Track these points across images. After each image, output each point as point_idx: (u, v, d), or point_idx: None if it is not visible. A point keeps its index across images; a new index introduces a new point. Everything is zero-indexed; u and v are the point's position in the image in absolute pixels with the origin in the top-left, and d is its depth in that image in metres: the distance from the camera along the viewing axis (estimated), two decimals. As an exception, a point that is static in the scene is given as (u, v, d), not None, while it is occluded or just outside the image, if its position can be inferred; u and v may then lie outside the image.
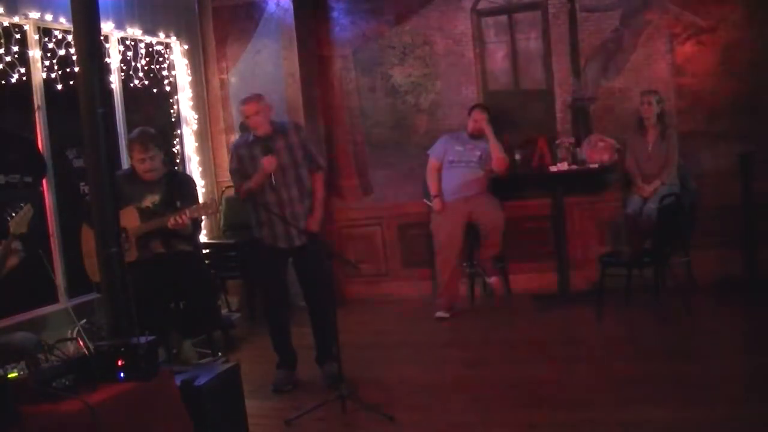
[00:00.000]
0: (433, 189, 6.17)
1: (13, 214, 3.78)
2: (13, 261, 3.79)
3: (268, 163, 4.49)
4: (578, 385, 4.30)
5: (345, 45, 6.93)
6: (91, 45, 3.11)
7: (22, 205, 3.84)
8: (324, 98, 6.98)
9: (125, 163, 5.68)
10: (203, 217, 5.01)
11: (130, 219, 4.48)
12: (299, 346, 4.80)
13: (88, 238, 4.54)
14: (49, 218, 4.98)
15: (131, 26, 5.98)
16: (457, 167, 6.11)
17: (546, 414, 3.90)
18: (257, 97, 4.68)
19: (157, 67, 6.31)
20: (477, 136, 6.13)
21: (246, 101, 4.68)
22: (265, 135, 4.60)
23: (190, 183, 5.01)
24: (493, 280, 6.32)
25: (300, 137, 4.71)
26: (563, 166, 6.02)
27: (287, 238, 4.62)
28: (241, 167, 4.64)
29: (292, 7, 6.63)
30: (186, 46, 6.66)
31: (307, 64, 6.78)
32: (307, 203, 4.69)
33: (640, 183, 5.86)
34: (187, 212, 4.46)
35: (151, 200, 4.64)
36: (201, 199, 5.55)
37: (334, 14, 6.94)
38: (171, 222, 4.41)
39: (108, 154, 3.11)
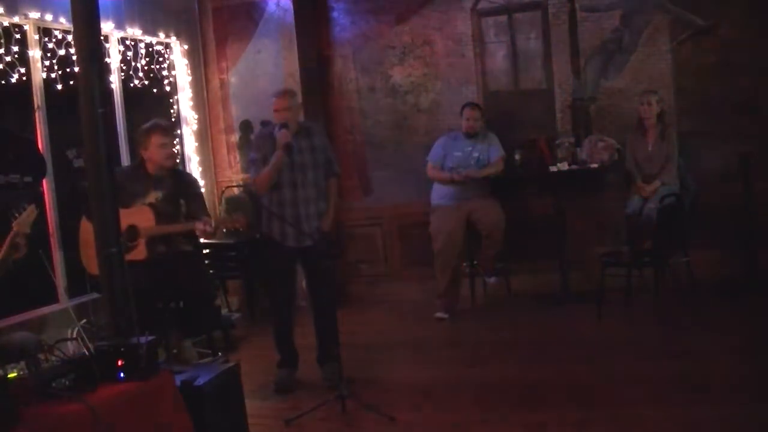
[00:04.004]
0: (444, 175, 6.11)
1: (17, 214, 3.78)
2: (17, 254, 3.79)
3: (282, 136, 4.44)
4: (578, 385, 4.30)
5: (345, 45, 6.93)
6: (91, 45, 3.11)
7: (25, 205, 3.82)
8: (324, 98, 6.98)
9: (125, 162, 5.69)
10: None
11: (144, 218, 4.44)
12: (298, 345, 4.80)
13: (86, 229, 4.52)
14: (49, 218, 4.98)
15: (131, 26, 5.98)
16: (456, 172, 6.09)
17: (545, 414, 3.90)
18: (290, 93, 4.62)
19: (157, 67, 6.31)
20: (472, 134, 6.13)
21: (279, 94, 4.59)
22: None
23: (195, 184, 4.98)
24: (493, 280, 6.33)
25: (323, 141, 4.73)
26: (563, 166, 6.02)
27: (297, 237, 4.60)
28: (263, 156, 4.54)
29: (292, 7, 6.65)
30: (186, 46, 6.67)
31: (307, 64, 6.77)
32: (321, 205, 4.68)
33: (640, 183, 5.85)
34: (213, 222, 4.48)
35: (154, 196, 4.58)
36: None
37: (334, 14, 6.94)
38: (200, 230, 4.41)
39: (108, 154, 3.10)
